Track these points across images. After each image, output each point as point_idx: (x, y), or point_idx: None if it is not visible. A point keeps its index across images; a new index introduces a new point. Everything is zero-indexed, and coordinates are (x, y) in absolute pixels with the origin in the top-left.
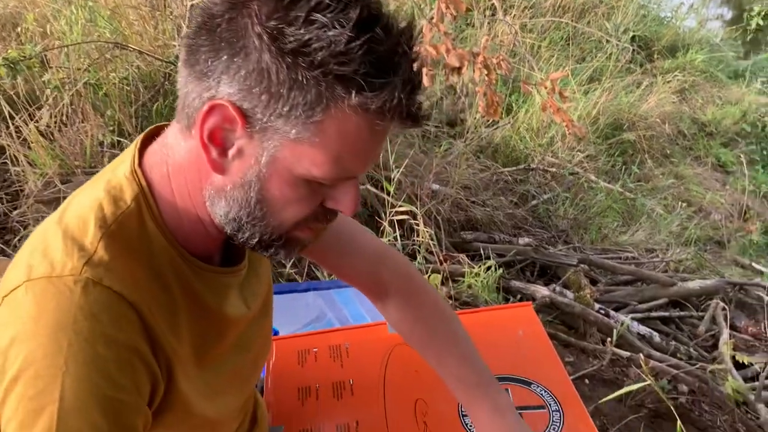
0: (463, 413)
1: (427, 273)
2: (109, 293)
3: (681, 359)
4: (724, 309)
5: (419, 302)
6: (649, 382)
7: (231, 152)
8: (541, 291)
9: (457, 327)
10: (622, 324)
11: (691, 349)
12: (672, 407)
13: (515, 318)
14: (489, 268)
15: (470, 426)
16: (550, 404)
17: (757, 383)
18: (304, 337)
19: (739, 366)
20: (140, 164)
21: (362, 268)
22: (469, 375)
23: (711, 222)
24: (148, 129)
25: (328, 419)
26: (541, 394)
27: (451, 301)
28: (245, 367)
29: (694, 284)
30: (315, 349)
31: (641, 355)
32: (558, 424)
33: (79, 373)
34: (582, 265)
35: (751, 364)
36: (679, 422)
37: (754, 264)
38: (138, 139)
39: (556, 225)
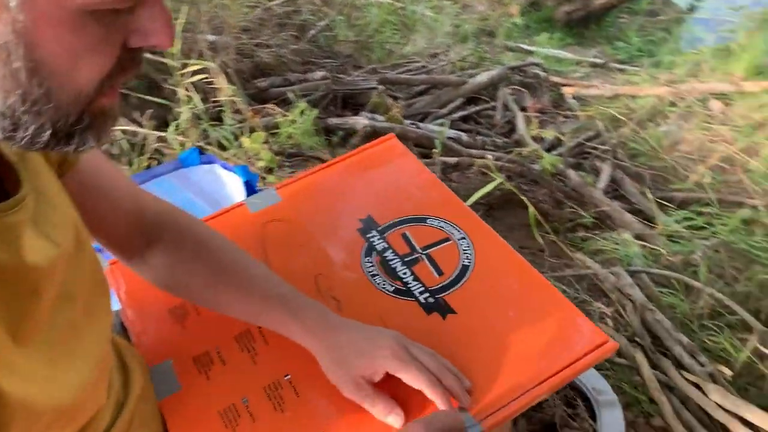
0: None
1: (243, 135)
2: None
3: (490, 150)
4: (512, 94)
5: (194, 240)
6: (500, 180)
7: None
8: (361, 121)
9: (242, 252)
10: (440, 132)
11: (495, 139)
12: (518, 192)
13: (384, 154)
14: (302, 112)
15: (386, 287)
16: (453, 234)
17: (561, 149)
18: None
19: (536, 141)
20: None
21: (123, 210)
22: (278, 288)
23: (478, 14)
24: None
25: (223, 332)
26: (441, 227)
27: (278, 157)
28: (77, 318)
29: (482, 77)
30: None
31: (490, 157)
32: (469, 252)
33: None
34: (380, 86)
35: (552, 137)
36: (531, 207)
37: (521, 45)
38: None
39: (341, 52)
